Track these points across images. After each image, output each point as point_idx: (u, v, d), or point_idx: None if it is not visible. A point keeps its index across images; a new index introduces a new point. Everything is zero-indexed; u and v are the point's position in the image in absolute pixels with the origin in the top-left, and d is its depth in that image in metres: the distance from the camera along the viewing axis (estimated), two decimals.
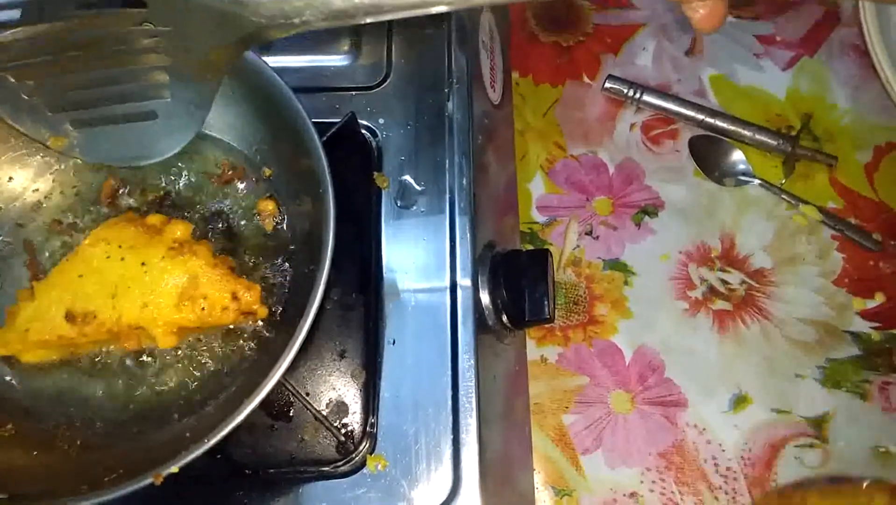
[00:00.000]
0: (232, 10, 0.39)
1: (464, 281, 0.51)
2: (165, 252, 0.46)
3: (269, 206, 0.51)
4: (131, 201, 0.52)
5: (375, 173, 0.53)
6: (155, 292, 0.46)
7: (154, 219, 0.49)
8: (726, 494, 0.59)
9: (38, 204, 0.52)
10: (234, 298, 0.46)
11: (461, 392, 0.48)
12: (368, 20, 0.37)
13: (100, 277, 0.46)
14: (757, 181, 0.68)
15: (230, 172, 0.52)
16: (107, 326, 0.45)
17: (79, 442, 0.46)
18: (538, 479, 0.60)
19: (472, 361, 0.49)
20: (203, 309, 0.46)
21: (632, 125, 0.71)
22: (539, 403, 0.62)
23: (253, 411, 0.39)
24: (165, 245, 0.46)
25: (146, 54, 0.45)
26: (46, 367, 0.48)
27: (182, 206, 0.52)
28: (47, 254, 0.51)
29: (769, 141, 0.69)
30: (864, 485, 0.52)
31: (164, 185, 0.53)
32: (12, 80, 0.47)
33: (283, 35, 0.40)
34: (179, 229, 0.47)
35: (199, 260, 0.46)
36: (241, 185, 0.52)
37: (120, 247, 0.46)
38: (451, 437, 0.47)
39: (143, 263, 0.46)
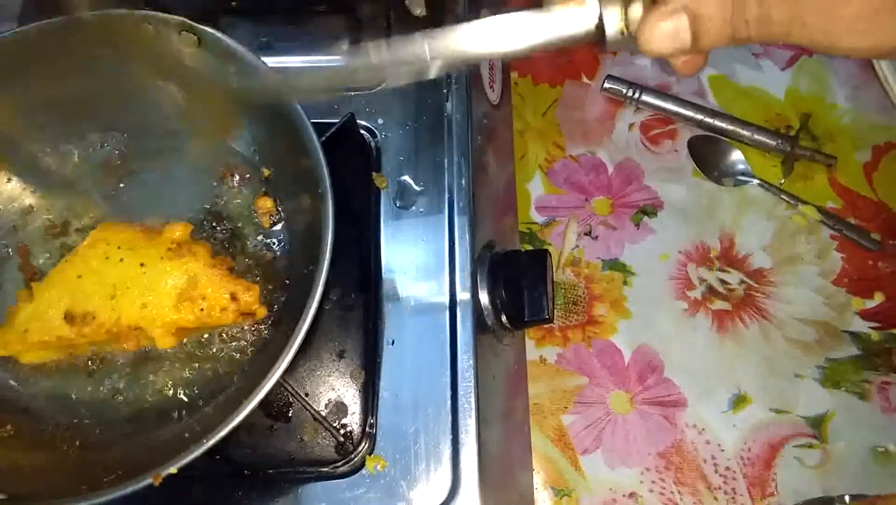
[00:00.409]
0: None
1: (463, 281, 0.51)
2: (164, 253, 0.46)
3: (267, 203, 0.51)
4: (132, 201, 0.52)
5: (374, 174, 0.53)
6: (154, 293, 0.46)
7: (153, 220, 0.49)
8: (725, 494, 0.59)
9: (38, 205, 0.52)
10: (233, 298, 0.46)
11: (460, 392, 0.48)
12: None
13: (99, 278, 0.46)
14: (756, 181, 0.68)
15: (221, 169, 0.52)
16: (106, 326, 0.45)
17: (78, 442, 0.46)
18: (537, 479, 0.60)
19: (472, 362, 0.49)
20: (202, 309, 0.46)
21: (631, 125, 0.71)
22: (538, 404, 0.62)
23: (252, 412, 0.39)
24: (164, 246, 0.46)
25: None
26: (46, 367, 0.48)
27: (182, 207, 0.52)
28: (47, 254, 0.51)
29: (768, 141, 0.69)
30: None
31: (164, 185, 0.53)
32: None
33: None
34: (178, 230, 0.47)
35: (198, 261, 0.46)
36: (240, 186, 0.52)
37: (119, 248, 0.46)
38: (451, 437, 0.47)
39: (141, 264, 0.46)
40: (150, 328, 0.46)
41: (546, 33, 0.29)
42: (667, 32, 0.28)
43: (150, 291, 0.46)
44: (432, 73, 0.31)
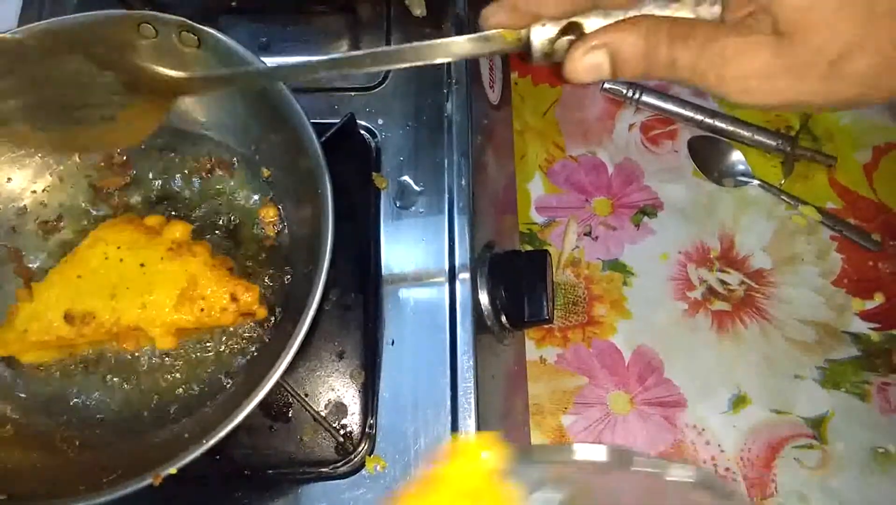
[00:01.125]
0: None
1: (463, 282, 0.51)
2: (164, 253, 0.46)
3: (270, 212, 0.51)
4: (131, 201, 0.52)
5: (374, 174, 0.53)
6: (154, 293, 0.45)
7: (153, 220, 0.49)
8: None
9: (37, 205, 0.52)
10: (233, 298, 0.46)
11: (460, 393, 0.48)
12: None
13: (98, 278, 0.46)
14: (756, 181, 0.68)
15: (208, 163, 0.52)
16: (105, 326, 0.45)
17: (77, 443, 0.46)
18: None
19: (471, 362, 0.49)
20: (202, 310, 0.46)
21: (631, 125, 0.71)
22: (538, 404, 0.62)
23: (252, 412, 0.39)
24: (164, 246, 0.46)
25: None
26: (45, 367, 0.48)
27: (181, 207, 0.52)
28: (46, 254, 0.51)
29: (768, 141, 0.69)
30: None
31: (163, 185, 0.53)
32: None
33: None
34: (178, 230, 0.47)
35: (198, 261, 0.46)
36: (240, 187, 0.52)
37: (119, 248, 0.46)
38: (451, 437, 0.47)
39: (141, 264, 0.46)
40: (149, 328, 0.46)
41: (480, 51, 0.33)
42: (589, 66, 0.31)
43: (149, 292, 0.45)
44: None
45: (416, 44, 0.33)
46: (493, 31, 0.32)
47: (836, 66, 0.26)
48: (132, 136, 0.46)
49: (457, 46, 0.33)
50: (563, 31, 0.32)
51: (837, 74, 0.26)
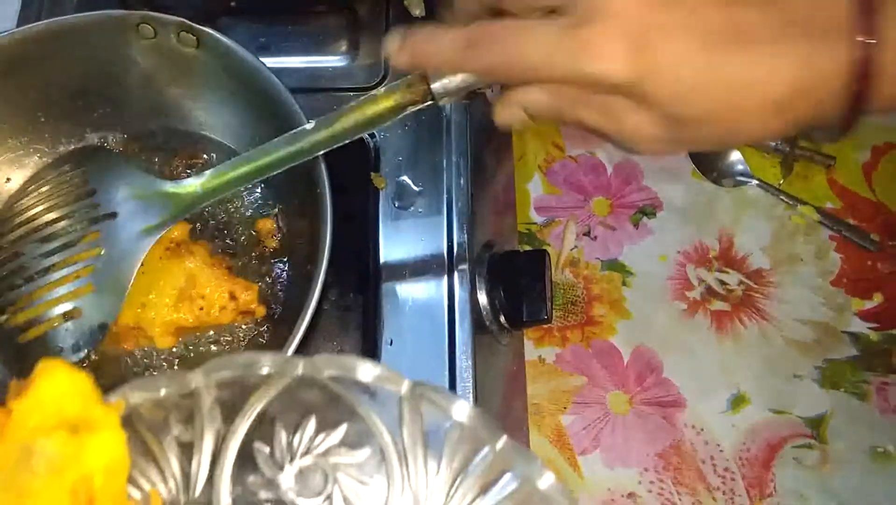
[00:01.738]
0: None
1: (461, 282, 0.51)
2: (162, 252, 0.46)
3: (267, 224, 0.51)
4: None
5: (373, 174, 0.54)
6: (152, 293, 0.46)
7: None
8: (724, 494, 0.59)
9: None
10: (232, 297, 0.46)
11: (458, 393, 0.48)
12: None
13: None
14: (755, 181, 0.68)
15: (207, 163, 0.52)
16: None
17: None
18: None
19: (470, 362, 0.49)
20: (201, 309, 0.46)
21: None
22: (537, 404, 0.62)
23: None
24: (162, 245, 0.46)
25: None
26: None
27: None
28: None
29: (767, 141, 0.69)
30: None
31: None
32: None
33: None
34: (176, 229, 0.47)
35: (197, 260, 0.46)
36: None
37: None
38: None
39: (140, 264, 0.46)
40: (148, 328, 0.46)
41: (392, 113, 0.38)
42: (510, 118, 0.36)
43: (148, 291, 0.46)
44: None
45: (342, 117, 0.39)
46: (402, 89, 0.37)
47: (698, 132, 0.31)
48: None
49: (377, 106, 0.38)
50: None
51: (698, 139, 0.32)
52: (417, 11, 0.58)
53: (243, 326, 0.49)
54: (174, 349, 0.48)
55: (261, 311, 0.47)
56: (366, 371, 0.29)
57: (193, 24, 0.47)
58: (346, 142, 0.40)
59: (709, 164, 0.69)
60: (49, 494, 0.22)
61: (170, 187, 0.44)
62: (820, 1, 0.28)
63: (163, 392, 0.27)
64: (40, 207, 0.46)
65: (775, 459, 0.60)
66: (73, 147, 0.53)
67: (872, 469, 0.60)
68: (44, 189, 0.47)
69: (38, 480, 0.22)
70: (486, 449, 0.29)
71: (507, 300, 0.52)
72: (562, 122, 0.36)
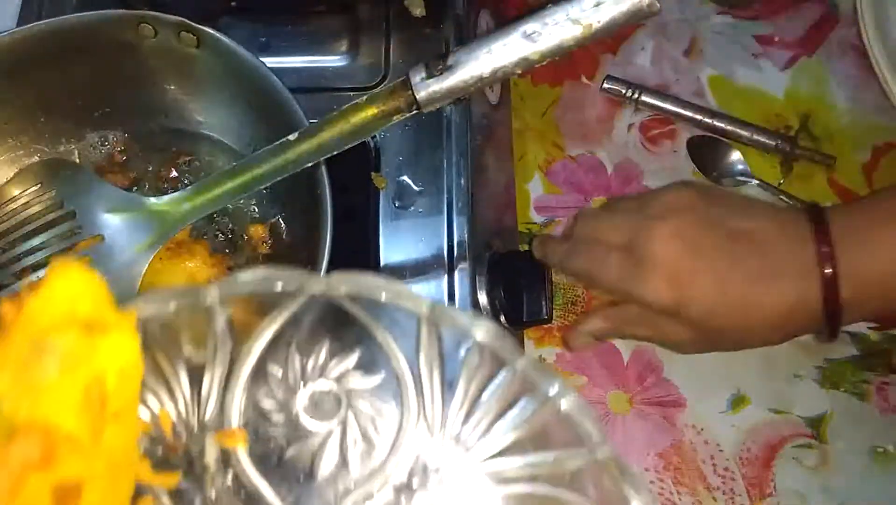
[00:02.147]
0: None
1: (462, 282, 0.51)
2: (163, 253, 0.46)
3: (258, 230, 0.51)
4: None
5: (373, 174, 0.54)
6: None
7: None
8: (724, 494, 0.59)
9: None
10: None
11: None
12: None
13: None
14: (755, 181, 0.68)
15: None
16: None
17: None
18: None
19: None
20: None
21: (630, 126, 0.71)
22: None
23: None
24: (163, 246, 0.46)
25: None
26: None
27: None
28: None
29: (767, 141, 0.69)
30: None
31: (163, 185, 0.53)
32: None
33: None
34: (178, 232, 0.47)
35: (197, 259, 0.46)
36: None
37: None
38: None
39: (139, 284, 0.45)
40: None
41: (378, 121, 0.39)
42: (582, 344, 0.49)
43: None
44: None
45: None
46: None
47: (721, 338, 0.44)
48: None
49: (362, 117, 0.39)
50: (428, 67, 0.37)
51: (720, 343, 0.45)
52: (418, 11, 0.58)
53: None
54: None
55: None
56: (384, 290, 0.27)
57: (194, 24, 0.47)
58: (336, 153, 0.40)
59: (709, 163, 0.69)
60: (61, 391, 0.21)
61: (154, 205, 0.43)
62: (794, 250, 0.39)
63: (173, 306, 0.26)
64: (15, 235, 0.45)
65: (775, 458, 0.60)
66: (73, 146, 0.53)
67: (872, 469, 0.60)
68: (16, 210, 0.46)
69: (50, 376, 0.21)
70: (505, 371, 0.28)
71: (507, 300, 0.52)
72: (620, 337, 0.51)
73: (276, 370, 0.28)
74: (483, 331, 0.28)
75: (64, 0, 0.60)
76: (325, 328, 0.28)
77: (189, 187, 0.43)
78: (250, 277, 0.27)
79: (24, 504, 0.21)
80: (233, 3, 0.60)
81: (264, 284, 0.27)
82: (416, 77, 0.38)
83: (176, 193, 0.43)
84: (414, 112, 0.38)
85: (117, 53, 0.49)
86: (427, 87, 0.36)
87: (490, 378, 0.28)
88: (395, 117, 0.38)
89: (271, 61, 0.47)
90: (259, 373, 0.27)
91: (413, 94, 0.37)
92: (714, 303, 0.40)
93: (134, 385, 0.24)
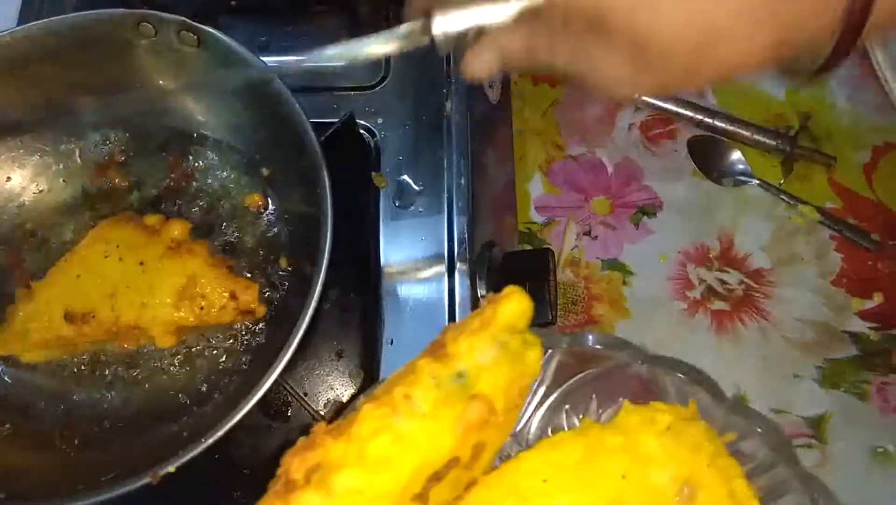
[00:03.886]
0: None
1: (462, 281, 0.51)
2: (164, 251, 0.46)
3: (255, 198, 0.51)
4: (131, 200, 0.52)
5: (374, 173, 0.54)
6: (153, 292, 0.46)
7: (151, 219, 0.49)
8: None
9: (37, 204, 0.52)
10: (233, 297, 0.46)
11: None
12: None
13: (98, 277, 0.46)
14: (755, 181, 0.68)
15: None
16: (105, 325, 0.45)
17: (77, 441, 0.46)
18: None
19: None
20: (201, 308, 0.46)
21: (630, 125, 0.71)
22: None
23: (250, 411, 0.39)
24: (164, 245, 0.46)
25: None
26: (45, 366, 0.48)
27: (181, 206, 0.52)
28: (46, 253, 0.51)
29: (768, 141, 0.69)
30: None
31: (163, 185, 0.53)
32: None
33: None
34: (177, 229, 0.47)
35: (197, 259, 0.46)
36: (239, 186, 0.52)
37: (118, 246, 0.46)
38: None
39: (141, 263, 0.46)
40: (149, 327, 0.46)
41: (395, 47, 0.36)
42: (480, 68, 0.35)
43: (149, 290, 0.46)
44: None
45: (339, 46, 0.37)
46: (404, 26, 0.35)
47: (668, 62, 0.29)
48: None
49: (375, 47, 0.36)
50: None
51: (668, 72, 0.29)
52: None
53: (244, 326, 0.49)
54: (174, 349, 0.48)
55: (261, 310, 0.47)
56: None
57: (194, 23, 0.47)
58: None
59: (709, 163, 0.69)
60: (503, 377, 0.30)
61: None
62: None
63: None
64: None
65: None
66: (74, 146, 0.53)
67: (872, 469, 0.60)
68: None
69: (495, 363, 0.30)
70: None
71: None
72: (535, 69, 0.34)
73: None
74: None
75: (64, 0, 0.60)
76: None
77: None
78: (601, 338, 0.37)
79: (459, 448, 0.29)
80: (233, 3, 0.60)
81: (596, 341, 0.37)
82: None
83: None
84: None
85: (117, 53, 0.49)
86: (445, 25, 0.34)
87: None
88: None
89: (271, 60, 0.47)
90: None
91: (431, 34, 0.34)
92: None
93: (527, 390, 0.33)
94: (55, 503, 0.39)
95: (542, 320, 0.51)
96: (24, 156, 0.52)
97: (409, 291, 0.51)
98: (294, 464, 0.27)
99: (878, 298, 0.65)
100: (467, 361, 0.30)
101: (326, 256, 0.42)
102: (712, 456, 0.33)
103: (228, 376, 0.48)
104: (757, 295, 0.65)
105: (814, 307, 0.65)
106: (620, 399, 0.35)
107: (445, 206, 0.53)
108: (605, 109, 0.72)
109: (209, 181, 0.53)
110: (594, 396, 0.36)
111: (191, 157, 0.53)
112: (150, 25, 0.47)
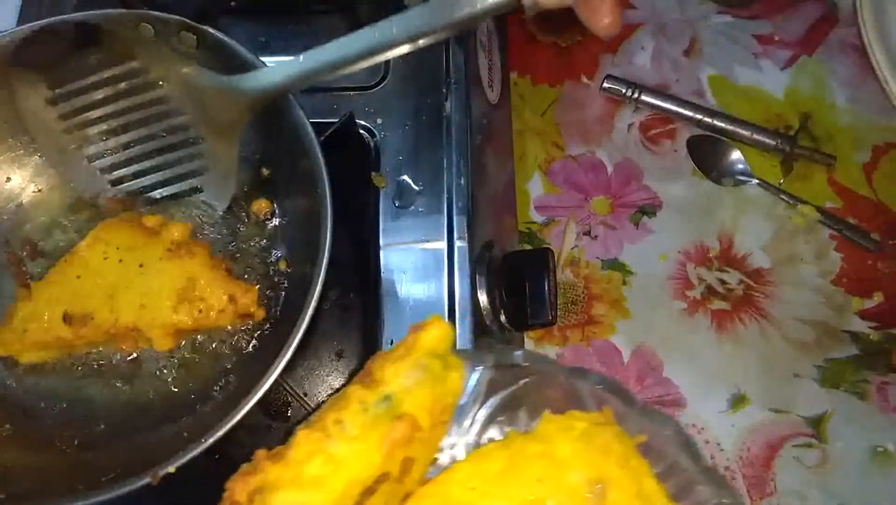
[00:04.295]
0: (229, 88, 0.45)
1: (462, 281, 0.51)
2: (163, 253, 0.46)
3: (262, 204, 0.51)
4: (132, 200, 0.52)
5: (373, 173, 0.53)
6: (152, 294, 0.45)
7: (151, 220, 0.49)
8: None
9: (37, 204, 0.52)
10: (231, 300, 0.46)
11: None
12: (346, 71, 0.42)
13: (97, 278, 0.46)
14: (755, 181, 0.68)
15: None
16: (104, 327, 0.45)
17: (76, 442, 0.46)
18: None
19: None
20: (200, 311, 0.46)
21: (630, 125, 0.71)
22: None
23: (251, 411, 0.39)
24: (163, 246, 0.46)
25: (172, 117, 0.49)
26: (44, 367, 0.48)
27: (181, 206, 0.52)
28: (45, 253, 0.51)
29: (767, 141, 0.69)
30: None
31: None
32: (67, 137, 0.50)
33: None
34: (177, 231, 0.47)
35: (197, 262, 0.46)
36: (239, 186, 0.52)
37: (118, 248, 0.46)
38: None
39: (140, 265, 0.46)
40: (148, 329, 0.46)
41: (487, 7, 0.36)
42: None
43: (148, 292, 0.45)
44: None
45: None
46: None
47: None
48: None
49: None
50: None
51: None
52: None
53: (244, 326, 0.48)
54: (174, 350, 0.48)
55: (260, 313, 0.47)
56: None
57: (193, 24, 0.46)
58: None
59: (709, 163, 0.69)
60: (427, 397, 0.33)
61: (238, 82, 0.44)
62: None
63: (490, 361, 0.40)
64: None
65: (775, 458, 0.60)
66: (71, 150, 0.53)
67: (872, 469, 0.60)
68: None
69: (423, 385, 0.33)
70: None
71: (509, 302, 0.52)
72: None
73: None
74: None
75: (64, 0, 0.60)
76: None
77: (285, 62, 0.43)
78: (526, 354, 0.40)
79: (387, 464, 0.32)
80: (233, 3, 0.60)
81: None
82: None
83: (271, 67, 0.44)
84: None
85: (117, 53, 0.49)
86: None
87: None
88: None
89: (271, 61, 0.47)
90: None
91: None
92: None
93: (454, 406, 0.36)
94: (55, 503, 0.39)
95: (542, 320, 0.51)
96: (23, 156, 0.52)
97: (409, 290, 0.51)
98: (237, 488, 0.31)
99: (877, 298, 0.65)
100: (392, 386, 0.33)
101: (326, 255, 0.42)
102: (623, 457, 0.35)
103: (228, 376, 0.48)
104: (757, 295, 0.65)
105: (814, 307, 0.65)
106: (546, 410, 0.38)
107: (445, 206, 0.53)
108: (605, 109, 0.72)
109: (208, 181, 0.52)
110: (524, 408, 0.39)
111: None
112: (149, 26, 0.47)
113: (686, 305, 0.65)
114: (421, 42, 0.39)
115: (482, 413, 0.40)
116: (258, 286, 0.48)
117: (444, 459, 0.39)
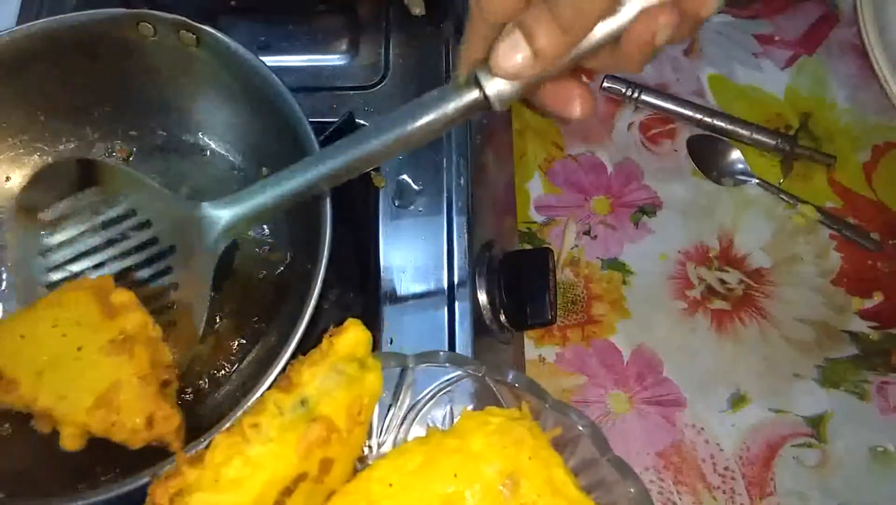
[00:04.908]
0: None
1: (461, 281, 0.51)
2: (105, 344, 0.42)
3: (274, 255, 0.49)
4: None
5: (373, 173, 0.54)
6: (75, 387, 0.42)
7: (121, 296, 0.44)
8: (724, 493, 0.59)
9: None
10: (149, 423, 0.41)
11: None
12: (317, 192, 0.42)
13: (35, 348, 0.42)
14: (755, 181, 0.68)
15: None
16: (24, 400, 0.42)
17: None
18: None
19: None
20: (113, 424, 0.41)
21: (630, 125, 0.71)
22: None
23: None
24: (111, 335, 0.43)
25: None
26: None
27: None
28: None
29: (768, 140, 0.69)
30: None
31: (164, 185, 0.53)
32: None
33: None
34: (133, 323, 0.43)
35: (133, 366, 0.42)
36: (239, 185, 0.52)
37: (68, 319, 0.43)
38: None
39: (79, 348, 0.42)
40: (60, 421, 0.42)
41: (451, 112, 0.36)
42: (507, 49, 0.30)
43: (72, 383, 0.42)
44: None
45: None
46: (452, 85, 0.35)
47: None
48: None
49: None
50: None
51: None
52: (417, 10, 0.58)
53: (243, 326, 0.48)
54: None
55: (175, 446, 0.42)
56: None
57: (193, 23, 0.47)
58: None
59: (709, 163, 0.69)
60: (342, 400, 0.35)
61: (207, 209, 0.43)
62: None
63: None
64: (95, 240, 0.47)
65: (775, 458, 0.60)
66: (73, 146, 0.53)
67: (872, 469, 0.60)
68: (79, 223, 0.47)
69: (338, 388, 0.35)
70: None
71: (509, 301, 0.52)
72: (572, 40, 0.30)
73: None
74: None
75: (64, 0, 0.60)
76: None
77: (240, 192, 0.42)
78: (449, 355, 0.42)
79: (305, 465, 0.33)
80: (233, 3, 0.60)
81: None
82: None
83: (227, 197, 0.43)
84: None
85: (117, 52, 0.49)
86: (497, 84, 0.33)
87: None
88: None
89: (271, 60, 0.47)
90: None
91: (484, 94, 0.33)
92: None
93: (372, 407, 0.37)
94: (55, 503, 0.39)
95: (541, 320, 0.51)
96: (23, 156, 0.52)
97: (409, 290, 0.51)
98: (158, 491, 0.32)
99: (877, 298, 0.65)
100: (309, 389, 0.34)
101: (326, 256, 0.42)
102: (534, 449, 0.37)
103: (228, 376, 0.48)
104: (757, 294, 0.65)
105: (814, 307, 0.65)
106: (464, 407, 0.40)
107: (445, 205, 0.53)
108: (605, 109, 0.72)
109: (209, 181, 0.53)
110: (449, 406, 0.41)
111: (190, 157, 0.53)
112: (149, 25, 0.47)
113: (686, 304, 0.65)
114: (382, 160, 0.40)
115: (406, 412, 0.41)
116: (258, 284, 0.48)
117: (372, 457, 0.41)
